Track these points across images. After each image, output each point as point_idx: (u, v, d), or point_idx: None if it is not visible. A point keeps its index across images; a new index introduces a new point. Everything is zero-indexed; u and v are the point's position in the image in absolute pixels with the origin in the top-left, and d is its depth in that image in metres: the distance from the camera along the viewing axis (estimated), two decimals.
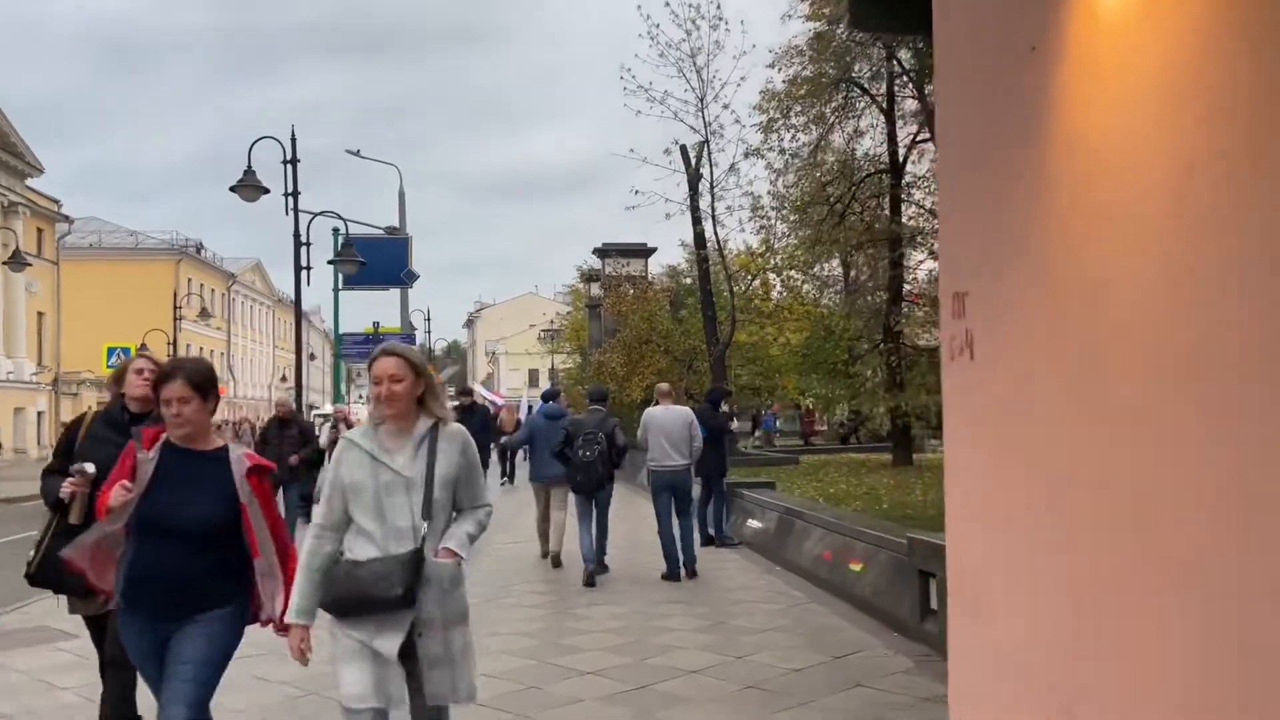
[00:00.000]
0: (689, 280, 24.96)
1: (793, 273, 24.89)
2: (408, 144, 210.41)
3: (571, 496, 8.96)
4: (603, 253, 27.03)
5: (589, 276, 30.48)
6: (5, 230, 35.74)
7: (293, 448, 10.77)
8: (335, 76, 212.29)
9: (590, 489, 8.68)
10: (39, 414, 39.94)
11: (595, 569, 8.60)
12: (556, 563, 9.33)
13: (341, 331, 25.19)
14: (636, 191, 19.77)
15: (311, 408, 29.10)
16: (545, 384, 44.54)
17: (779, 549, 9.81)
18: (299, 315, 15.69)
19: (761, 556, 10.06)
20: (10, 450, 35.50)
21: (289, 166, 15.49)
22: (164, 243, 56.77)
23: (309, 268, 15.64)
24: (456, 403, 10.22)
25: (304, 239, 15.55)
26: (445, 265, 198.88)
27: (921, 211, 21.38)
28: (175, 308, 33.63)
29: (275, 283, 74.03)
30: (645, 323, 23.35)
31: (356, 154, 26.30)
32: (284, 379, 58.25)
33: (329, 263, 15.66)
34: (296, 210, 15.42)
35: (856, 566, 7.52)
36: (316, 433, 12.45)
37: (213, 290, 62.86)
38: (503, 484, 20.02)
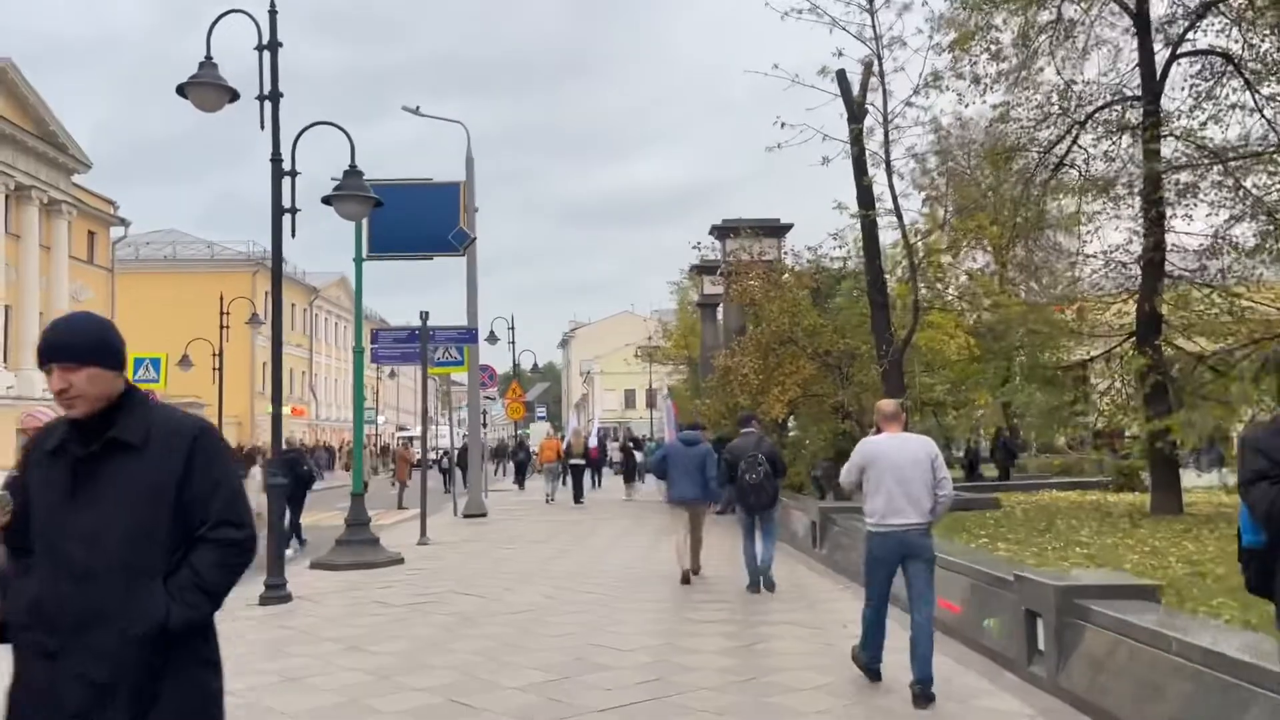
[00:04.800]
0: (837, 265, 18.77)
1: (978, 254, 18.61)
2: (509, 174, 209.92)
3: (740, 515, 9.86)
4: (725, 231, 21.09)
5: (703, 268, 24.66)
6: (47, 230, 32.20)
7: None
8: (441, 111, 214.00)
9: (761, 508, 9.41)
10: None
11: (765, 579, 9.32)
12: (686, 579, 9.88)
13: (381, 326, 19.76)
14: (783, 124, 13.72)
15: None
16: (642, 404, 39.15)
17: None
18: (277, 278, 10.11)
19: None
20: None
21: (263, 54, 10.04)
22: (240, 254, 53.17)
23: (295, 210, 10.13)
24: None
25: (289, 166, 10.05)
26: (542, 288, 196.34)
27: (1189, 147, 14.70)
28: (222, 313, 28.99)
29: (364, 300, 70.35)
30: (785, 315, 17.32)
31: (415, 111, 21.08)
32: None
33: (323, 201, 10.17)
34: (276, 119, 9.92)
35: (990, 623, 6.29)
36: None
37: (293, 305, 59.25)
38: (578, 504, 21.99)
